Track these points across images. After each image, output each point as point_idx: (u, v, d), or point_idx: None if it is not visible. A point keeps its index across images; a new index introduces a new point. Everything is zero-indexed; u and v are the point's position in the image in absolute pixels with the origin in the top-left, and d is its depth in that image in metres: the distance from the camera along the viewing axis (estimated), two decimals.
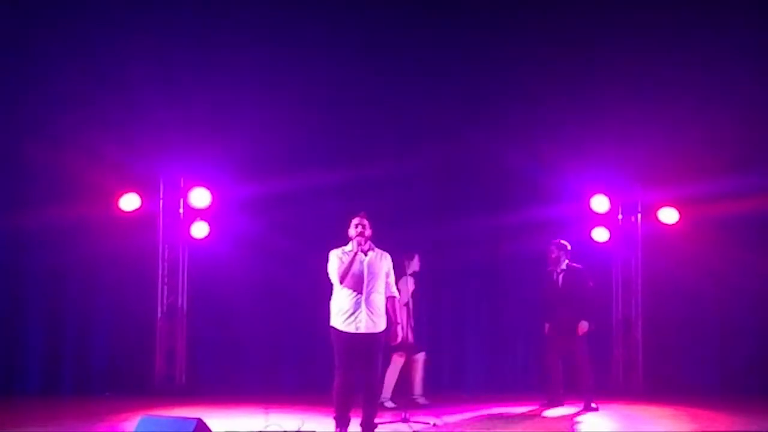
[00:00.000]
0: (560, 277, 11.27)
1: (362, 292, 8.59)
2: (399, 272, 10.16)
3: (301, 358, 12.73)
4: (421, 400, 11.23)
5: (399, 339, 8.93)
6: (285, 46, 11.65)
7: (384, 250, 8.84)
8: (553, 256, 11.30)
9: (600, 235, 13.16)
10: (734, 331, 12.97)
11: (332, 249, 8.79)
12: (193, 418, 7.84)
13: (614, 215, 13.35)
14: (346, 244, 8.80)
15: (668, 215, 12.99)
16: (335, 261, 8.67)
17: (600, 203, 13.09)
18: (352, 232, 8.69)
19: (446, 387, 12.78)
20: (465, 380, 13.07)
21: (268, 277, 12.70)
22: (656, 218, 13.10)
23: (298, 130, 12.27)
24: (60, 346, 12.30)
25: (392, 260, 8.87)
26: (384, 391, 10.83)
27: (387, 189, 12.64)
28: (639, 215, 13.39)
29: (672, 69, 11.79)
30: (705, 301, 13.04)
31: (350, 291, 8.61)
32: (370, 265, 8.65)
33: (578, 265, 11.31)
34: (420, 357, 11.24)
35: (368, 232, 8.68)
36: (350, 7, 11.60)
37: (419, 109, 12.46)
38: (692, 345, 13.03)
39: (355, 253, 8.58)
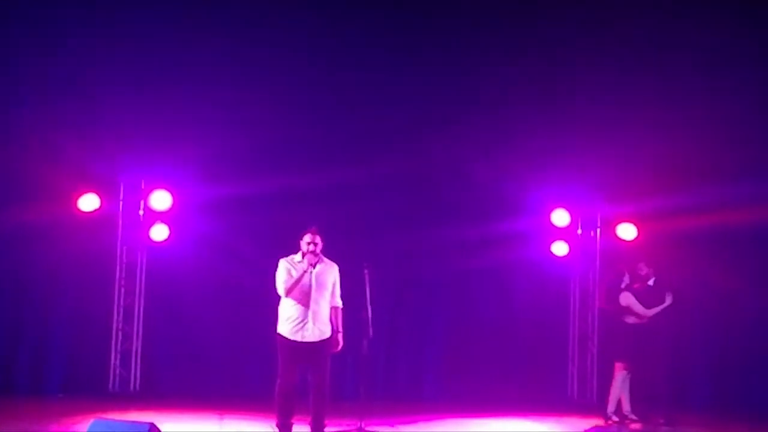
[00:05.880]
0: None
1: (309, 303, 8.59)
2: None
3: (259, 362, 12.64)
4: (633, 417, 11.14)
5: (340, 347, 8.84)
6: (248, 50, 11.58)
7: (339, 260, 8.84)
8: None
9: (559, 249, 13.24)
10: (689, 347, 13.09)
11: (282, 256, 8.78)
12: (146, 423, 7.81)
13: (574, 229, 13.44)
14: (296, 252, 8.76)
15: (627, 231, 13.08)
16: (284, 273, 8.66)
17: (560, 217, 13.18)
18: (303, 247, 8.65)
19: (404, 396, 12.80)
20: (422, 389, 13.10)
21: (227, 281, 12.66)
22: (615, 234, 13.18)
23: (261, 134, 12.20)
24: (16, 346, 12.16)
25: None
26: (609, 405, 11.04)
27: (346, 197, 12.61)
28: (598, 230, 13.50)
29: (632, 85, 11.86)
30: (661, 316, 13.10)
31: (298, 300, 8.61)
32: (318, 276, 8.65)
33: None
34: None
35: (319, 247, 8.67)
36: (311, 14, 11.52)
37: (382, 119, 12.41)
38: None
39: (304, 271, 8.57)
